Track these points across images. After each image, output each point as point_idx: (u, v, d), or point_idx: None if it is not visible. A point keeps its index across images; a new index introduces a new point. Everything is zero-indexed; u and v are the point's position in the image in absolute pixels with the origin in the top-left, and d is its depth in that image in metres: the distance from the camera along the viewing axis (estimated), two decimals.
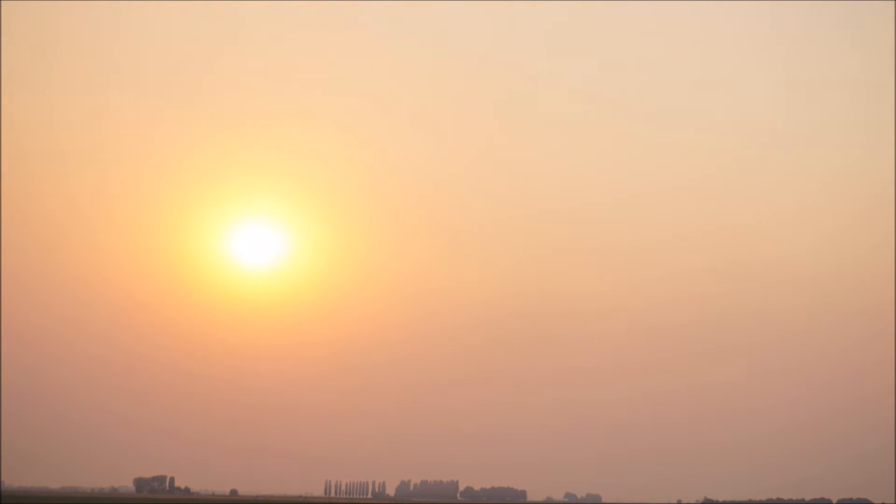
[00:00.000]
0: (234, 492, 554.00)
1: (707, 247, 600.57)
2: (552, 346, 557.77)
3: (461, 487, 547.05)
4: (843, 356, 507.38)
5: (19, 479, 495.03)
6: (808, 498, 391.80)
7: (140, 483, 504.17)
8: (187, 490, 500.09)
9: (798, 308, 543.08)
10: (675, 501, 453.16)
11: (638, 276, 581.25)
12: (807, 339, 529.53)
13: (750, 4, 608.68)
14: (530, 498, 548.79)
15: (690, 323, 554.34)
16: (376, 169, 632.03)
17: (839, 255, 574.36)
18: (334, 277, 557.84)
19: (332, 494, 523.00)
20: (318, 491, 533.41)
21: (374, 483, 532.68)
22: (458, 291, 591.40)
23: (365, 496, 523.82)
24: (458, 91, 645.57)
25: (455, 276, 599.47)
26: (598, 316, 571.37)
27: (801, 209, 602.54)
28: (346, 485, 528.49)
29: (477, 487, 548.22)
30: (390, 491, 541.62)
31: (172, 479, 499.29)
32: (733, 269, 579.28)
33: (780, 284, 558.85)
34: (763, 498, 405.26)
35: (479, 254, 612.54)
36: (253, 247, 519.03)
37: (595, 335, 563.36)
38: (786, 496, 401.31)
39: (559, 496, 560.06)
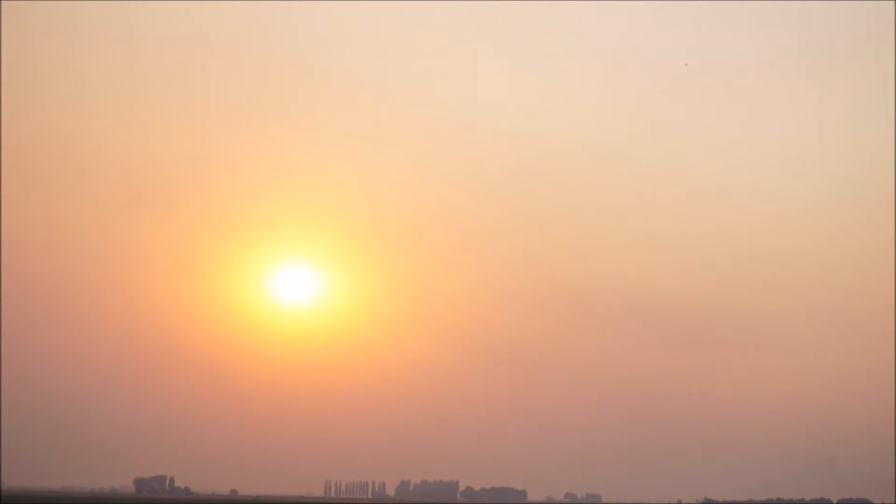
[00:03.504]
0: (234, 492, 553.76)
1: (712, 248, 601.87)
2: (552, 346, 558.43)
3: (461, 487, 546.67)
4: (843, 357, 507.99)
5: (19, 479, 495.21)
6: (808, 498, 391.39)
7: (140, 483, 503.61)
8: (187, 490, 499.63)
9: (798, 309, 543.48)
10: (675, 501, 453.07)
11: (640, 276, 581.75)
12: (807, 339, 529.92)
13: (751, 4, 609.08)
14: (530, 498, 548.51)
15: (691, 323, 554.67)
16: (399, 219, 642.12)
17: (841, 257, 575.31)
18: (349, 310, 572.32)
19: (332, 494, 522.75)
20: (318, 491, 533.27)
21: (374, 483, 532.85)
22: (461, 299, 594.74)
23: (365, 496, 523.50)
24: (487, 142, 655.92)
25: (454, 284, 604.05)
26: (598, 316, 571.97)
27: (800, 209, 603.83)
28: (346, 485, 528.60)
29: (477, 487, 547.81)
30: (390, 491, 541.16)
31: (172, 479, 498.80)
32: (735, 270, 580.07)
33: (780, 285, 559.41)
34: (763, 498, 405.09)
35: (476, 263, 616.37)
36: (292, 287, 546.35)
37: (595, 336, 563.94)
38: (786, 496, 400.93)
39: (559, 496, 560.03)
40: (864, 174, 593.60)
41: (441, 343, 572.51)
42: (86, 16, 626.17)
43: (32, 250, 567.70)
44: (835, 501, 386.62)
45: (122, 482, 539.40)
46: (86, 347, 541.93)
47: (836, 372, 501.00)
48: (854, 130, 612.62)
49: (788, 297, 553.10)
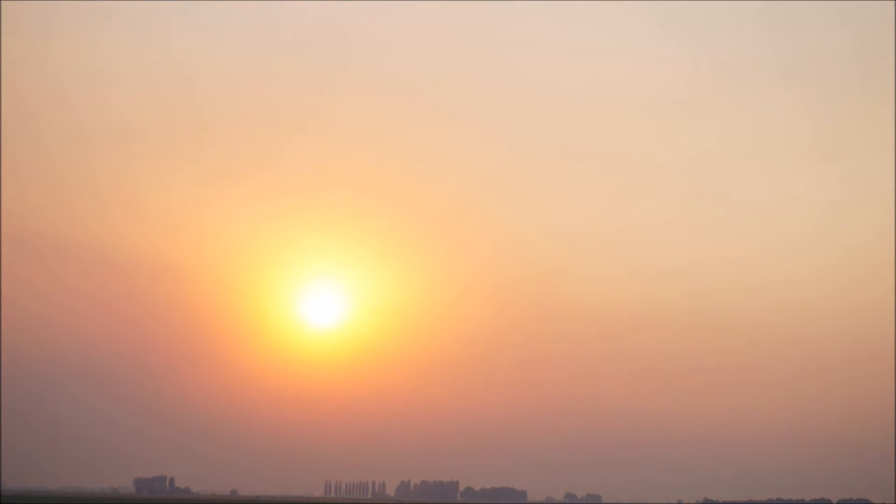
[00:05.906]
0: (234, 492, 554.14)
1: (711, 252, 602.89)
2: (553, 348, 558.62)
3: (461, 487, 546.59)
4: (842, 357, 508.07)
5: (19, 479, 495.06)
6: (808, 498, 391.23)
7: (140, 483, 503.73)
8: (187, 490, 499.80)
9: (798, 309, 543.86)
10: (675, 502, 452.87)
11: (640, 278, 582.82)
12: (806, 339, 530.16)
13: (751, 4, 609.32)
14: (530, 498, 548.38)
15: (690, 324, 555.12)
16: (426, 237, 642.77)
17: (841, 257, 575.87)
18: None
19: (332, 494, 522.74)
20: (318, 491, 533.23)
21: (374, 483, 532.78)
22: (463, 305, 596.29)
23: (365, 496, 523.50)
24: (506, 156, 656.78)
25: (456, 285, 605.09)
26: (599, 318, 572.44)
27: (800, 216, 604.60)
28: (346, 485, 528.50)
29: (477, 487, 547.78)
30: (390, 491, 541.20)
31: (172, 479, 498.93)
32: (733, 270, 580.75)
33: (780, 285, 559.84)
34: (763, 498, 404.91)
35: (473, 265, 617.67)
36: (319, 308, 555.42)
37: (596, 337, 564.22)
38: (786, 496, 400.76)
39: (559, 496, 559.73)
40: (864, 174, 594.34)
41: (442, 345, 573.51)
42: (88, 15, 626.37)
43: (33, 251, 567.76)
44: (835, 501, 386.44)
45: (122, 482, 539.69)
46: (87, 348, 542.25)
47: (836, 371, 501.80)
48: (854, 131, 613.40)
49: (789, 296, 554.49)
